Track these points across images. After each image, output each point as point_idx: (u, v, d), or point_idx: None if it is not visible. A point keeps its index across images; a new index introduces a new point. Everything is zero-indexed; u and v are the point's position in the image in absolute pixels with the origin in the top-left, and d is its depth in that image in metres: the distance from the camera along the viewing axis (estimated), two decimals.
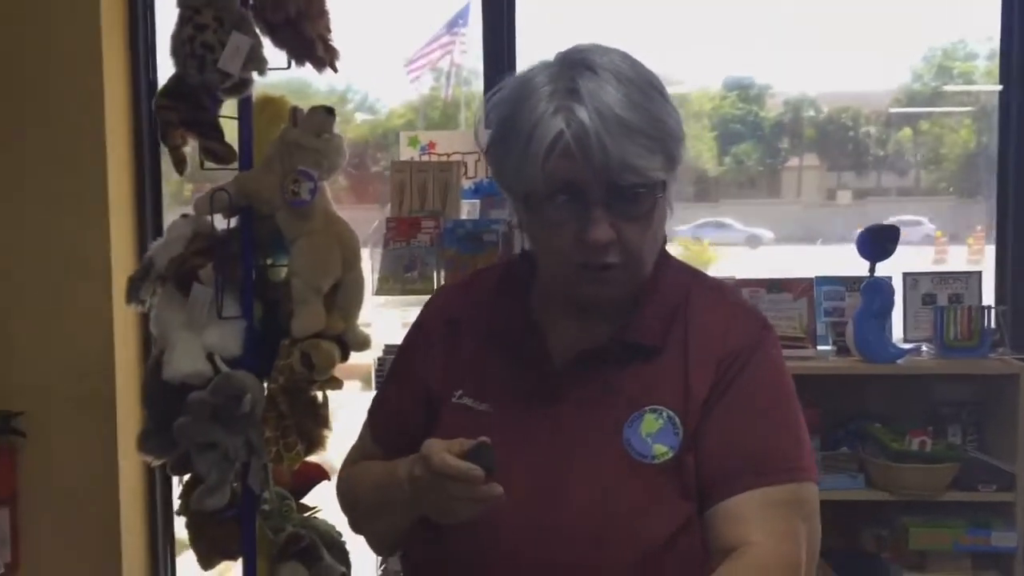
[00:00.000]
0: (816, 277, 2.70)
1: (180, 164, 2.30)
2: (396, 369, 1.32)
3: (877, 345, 2.50)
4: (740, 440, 1.12)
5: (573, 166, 1.06)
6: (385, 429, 1.31)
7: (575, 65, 1.09)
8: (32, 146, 2.65)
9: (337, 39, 2.24)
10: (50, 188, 2.65)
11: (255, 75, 2.19)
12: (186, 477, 2.30)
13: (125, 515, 2.75)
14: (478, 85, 3.04)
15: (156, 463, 2.32)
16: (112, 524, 2.73)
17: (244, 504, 2.24)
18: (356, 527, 1.31)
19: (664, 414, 1.12)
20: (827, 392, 2.57)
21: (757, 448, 1.12)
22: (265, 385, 2.22)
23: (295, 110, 2.20)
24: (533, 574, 1.09)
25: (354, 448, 1.36)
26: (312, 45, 2.18)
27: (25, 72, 2.63)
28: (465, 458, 1.03)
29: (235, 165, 2.25)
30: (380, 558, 2.39)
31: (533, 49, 2.87)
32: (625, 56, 1.12)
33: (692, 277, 1.25)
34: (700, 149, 4.76)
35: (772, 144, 5.09)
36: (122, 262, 2.69)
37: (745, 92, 4.77)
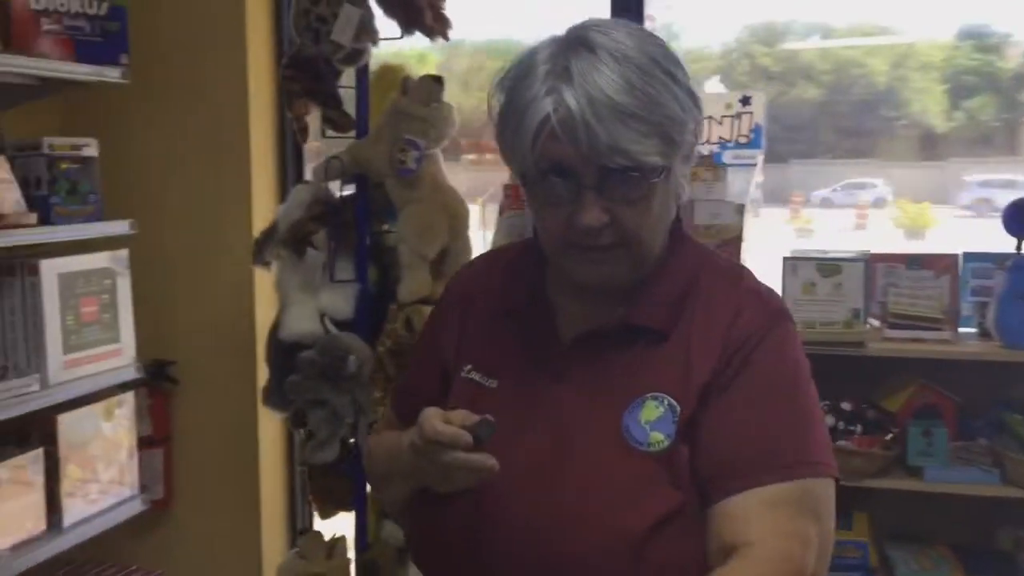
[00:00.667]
0: (964, 253, 2.50)
1: (303, 132, 2.41)
2: (419, 344, 1.36)
3: (1022, 329, 2.29)
4: (741, 435, 1.08)
5: (562, 149, 1.04)
6: (405, 402, 1.33)
7: (573, 44, 1.07)
8: (179, 115, 2.82)
9: (449, 7, 2.26)
10: (197, 155, 2.82)
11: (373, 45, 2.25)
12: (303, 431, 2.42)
13: (264, 460, 2.93)
14: None
15: (278, 416, 2.46)
16: (252, 468, 2.91)
17: (354, 460, 2.34)
18: (376, 493, 1.36)
19: (665, 401, 1.10)
20: (965, 378, 2.40)
21: (759, 444, 1.08)
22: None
23: (405, 79, 2.25)
24: (524, 549, 1.09)
25: (381, 420, 1.40)
26: (421, 14, 2.20)
27: (170, 43, 2.78)
28: (466, 430, 1.06)
29: (353, 133, 2.32)
30: None
31: None
32: (633, 33, 1.08)
33: (705, 260, 1.21)
34: (927, 103, 4.47)
35: (1011, 97, 4.71)
36: (264, 225, 2.83)
37: (981, 41, 4.44)
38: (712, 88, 3.43)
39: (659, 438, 1.09)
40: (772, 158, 2.86)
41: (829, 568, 2.27)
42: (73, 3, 2.28)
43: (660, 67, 1.06)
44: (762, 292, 1.19)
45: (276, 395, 2.38)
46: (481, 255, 1.39)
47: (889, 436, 2.36)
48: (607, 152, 1.03)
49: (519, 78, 1.08)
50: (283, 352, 2.33)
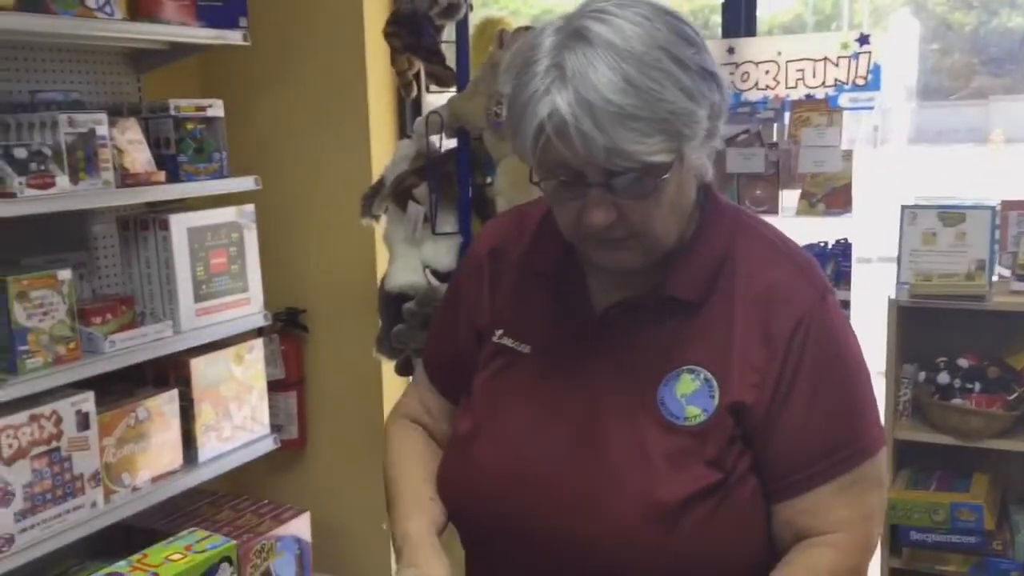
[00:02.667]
0: None
1: (407, 87, 2.47)
2: (446, 308, 1.32)
3: None
4: (805, 437, 1.09)
5: (562, 154, 1.00)
6: (439, 369, 1.31)
7: (572, 35, 1.00)
8: (299, 75, 2.93)
9: None
10: (317, 113, 2.93)
11: None
12: None
13: (388, 404, 3.05)
14: None
15: (389, 363, 2.56)
16: (378, 412, 3.05)
17: None
18: None
19: (701, 375, 1.08)
20: None
21: (830, 439, 1.09)
22: None
23: (501, 31, 2.26)
24: (557, 520, 1.09)
25: (407, 393, 1.38)
26: None
27: (288, 4, 2.89)
28: None
29: (455, 88, 2.36)
30: None
31: None
32: (639, 14, 1.01)
33: (740, 227, 1.16)
34: None
35: None
36: None
37: None
38: (903, 21, 3.23)
39: (695, 412, 1.08)
40: (973, 94, 2.71)
41: (944, 531, 2.19)
42: None
43: (667, 54, 0.99)
44: (802, 264, 1.15)
45: (385, 343, 2.48)
46: (509, 211, 1.36)
47: (1014, 395, 2.22)
48: (606, 156, 0.98)
49: (522, 70, 1.03)
50: (391, 303, 2.42)
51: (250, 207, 2.62)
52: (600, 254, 1.10)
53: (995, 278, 2.30)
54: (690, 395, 1.08)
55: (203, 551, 1.10)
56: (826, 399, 1.09)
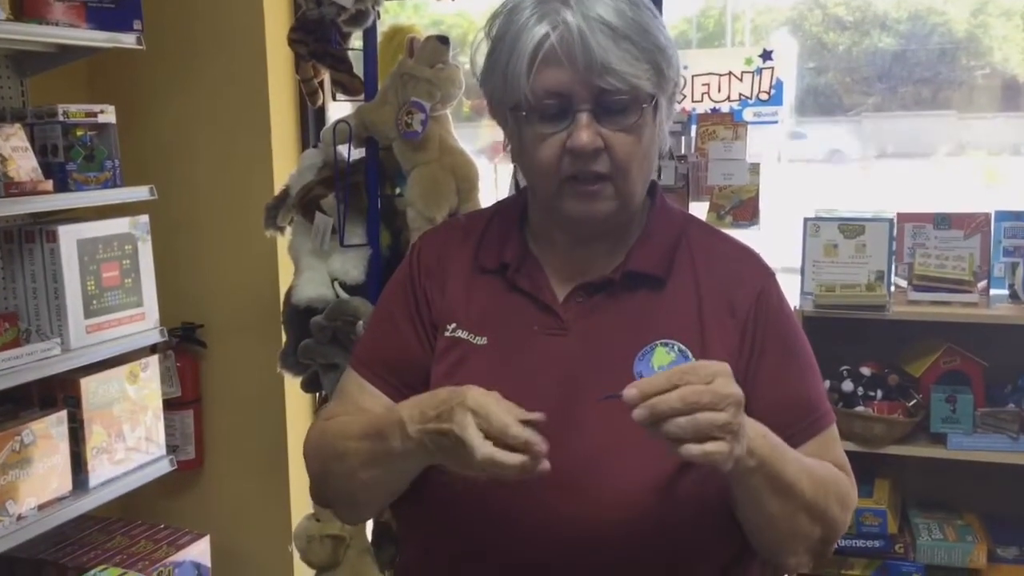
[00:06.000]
0: (996, 211, 2.40)
1: (313, 96, 2.40)
2: (388, 308, 1.28)
3: None
4: (788, 394, 1.15)
5: (558, 72, 1.07)
6: (387, 368, 1.24)
7: None
8: (197, 80, 2.82)
9: None
10: (217, 120, 2.83)
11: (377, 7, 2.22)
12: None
13: (291, 422, 2.97)
14: None
15: (294, 379, 2.47)
16: (279, 430, 2.95)
17: None
18: (326, 485, 1.23)
19: (675, 347, 1.07)
20: (994, 343, 2.32)
21: (804, 398, 1.16)
22: None
23: (412, 40, 2.21)
24: (551, 505, 1.07)
25: (335, 405, 1.29)
26: None
27: (185, 7, 2.78)
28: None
29: (362, 97, 2.31)
30: None
31: None
32: None
33: (686, 216, 1.27)
34: (1008, 52, 4.27)
35: None
36: None
37: None
38: (780, 40, 3.30)
39: None
40: (846, 110, 2.80)
41: (850, 536, 2.25)
42: None
43: (645, 4, 1.12)
44: (748, 248, 1.25)
45: (291, 359, 2.39)
46: (441, 224, 1.38)
47: (912, 402, 2.30)
48: (602, 71, 1.06)
49: (508, 16, 1.12)
50: (297, 316, 2.34)
51: (144, 218, 2.50)
52: (574, 204, 1.13)
53: (892, 288, 2.37)
54: (667, 366, 1.06)
55: None
56: (792, 362, 1.17)
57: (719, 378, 0.95)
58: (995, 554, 2.28)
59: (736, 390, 0.96)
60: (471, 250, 1.24)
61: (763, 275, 1.20)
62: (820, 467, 1.12)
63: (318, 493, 1.28)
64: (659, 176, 1.24)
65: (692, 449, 0.93)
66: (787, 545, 1.12)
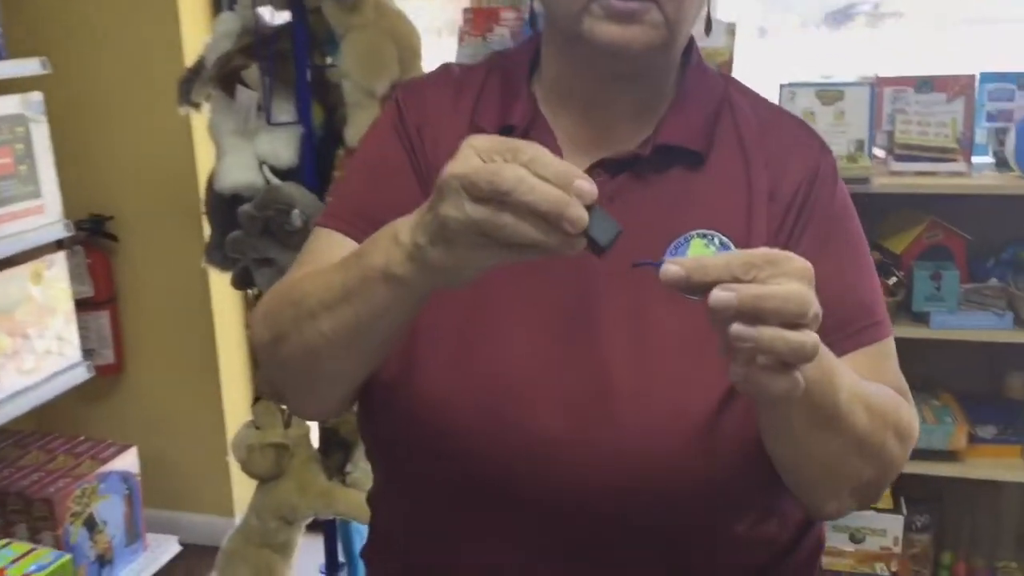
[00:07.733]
0: (980, 73, 2.23)
1: None
2: (379, 153, 1.01)
3: None
4: (846, 290, 0.93)
5: None
6: (375, 224, 0.87)
7: None
8: None
9: None
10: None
11: None
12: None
13: (219, 320, 2.74)
14: None
15: (223, 274, 2.23)
16: (208, 329, 2.73)
17: None
18: (278, 355, 0.92)
19: (716, 239, 0.80)
20: (979, 214, 2.20)
21: (860, 299, 0.95)
22: None
23: None
24: (551, 421, 0.88)
25: (294, 269, 1.00)
26: None
27: None
28: None
29: None
30: None
31: None
32: None
33: (727, 78, 1.03)
34: None
35: None
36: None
37: None
38: None
39: None
40: None
41: None
42: None
43: None
44: (798, 118, 1.03)
45: (217, 252, 2.15)
46: (424, 76, 1.06)
47: (893, 280, 2.17)
48: None
49: None
50: (223, 205, 2.09)
51: (37, 95, 2.20)
52: (604, 26, 0.87)
53: (871, 159, 2.21)
54: None
55: None
56: (847, 253, 0.96)
57: (799, 281, 0.71)
58: (974, 435, 2.21)
59: (816, 303, 0.72)
60: (467, 108, 0.99)
61: (820, 152, 0.98)
62: (877, 392, 0.89)
63: (267, 372, 0.98)
64: None
65: (779, 381, 0.70)
66: (827, 487, 0.90)
